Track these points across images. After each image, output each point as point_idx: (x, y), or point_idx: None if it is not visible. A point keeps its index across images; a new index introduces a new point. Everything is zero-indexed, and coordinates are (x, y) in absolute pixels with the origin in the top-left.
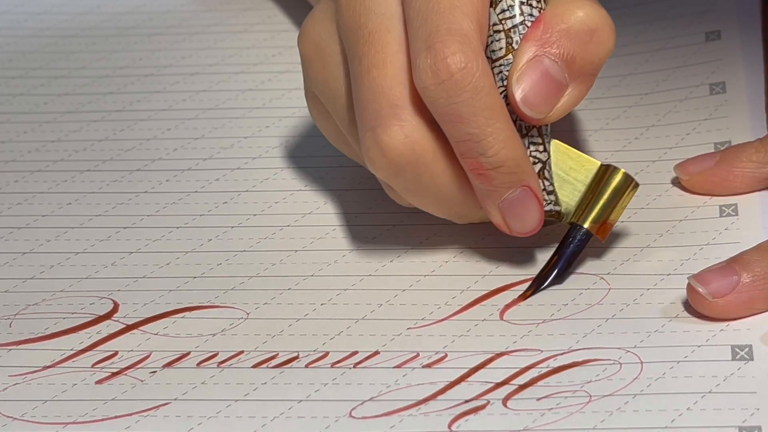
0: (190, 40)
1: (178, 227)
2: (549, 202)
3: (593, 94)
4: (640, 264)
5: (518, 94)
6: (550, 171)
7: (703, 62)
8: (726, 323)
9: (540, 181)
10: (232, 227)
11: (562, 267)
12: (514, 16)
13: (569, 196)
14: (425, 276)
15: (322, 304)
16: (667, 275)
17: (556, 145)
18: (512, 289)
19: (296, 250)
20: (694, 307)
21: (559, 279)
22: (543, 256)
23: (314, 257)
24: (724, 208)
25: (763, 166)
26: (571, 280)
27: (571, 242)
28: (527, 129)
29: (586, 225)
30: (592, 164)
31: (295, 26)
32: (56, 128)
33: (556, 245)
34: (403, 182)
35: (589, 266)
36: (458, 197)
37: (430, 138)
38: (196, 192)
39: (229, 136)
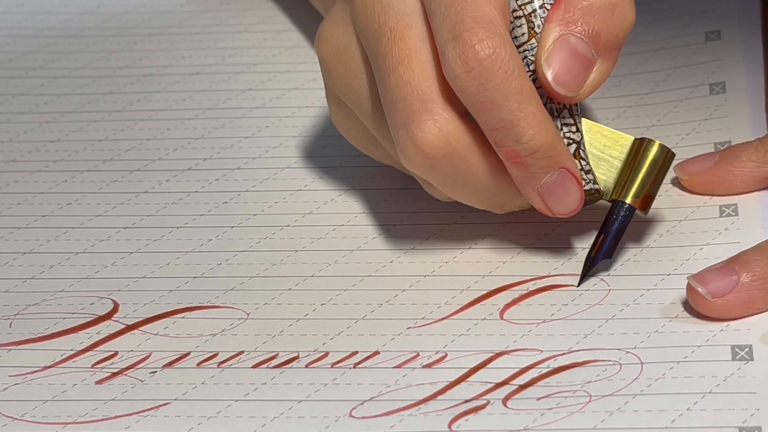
0: (190, 40)
1: (178, 227)
2: (588, 181)
3: (593, 93)
4: (640, 264)
5: (549, 74)
6: (585, 150)
7: (703, 62)
8: (726, 323)
9: (576, 161)
10: (232, 227)
11: (609, 245)
12: (533, 1)
13: (607, 174)
14: (425, 276)
15: (322, 304)
16: (667, 275)
17: (587, 124)
18: (512, 288)
19: (296, 250)
20: (694, 307)
21: (609, 257)
22: (544, 257)
23: (314, 257)
24: (724, 208)
25: (762, 166)
26: (572, 281)
27: (615, 219)
28: (558, 111)
29: (628, 200)
30: (626, 139)
31: (295, 26)
32: (56, 128)
33: (555, 247)
34: (440, 176)
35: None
36: (496, 186)
37: (463, 129)
38: (196, 192)
39: (229, 136)
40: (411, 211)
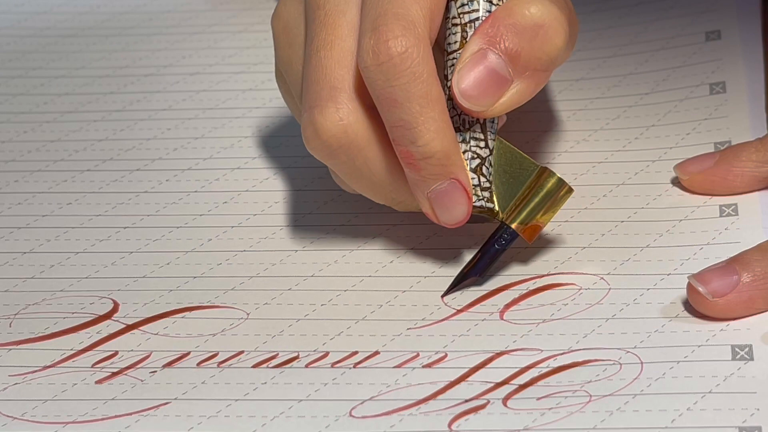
0: (190, 40)
1: (178, 227)
2: (482, 198)
3: (593, 93)
4: (640, 264)
5: (458, 85)
6: (489, 168)
7: (703, 62)
8: (726, 323)
9: (477, 176)
10: (232, 227)
11: (483, 265)
12: (474, 11)
13: (507, 195)
14: (425, 277)
15: (322, 305)
16: (667, 275)
17: (500, 143)
18: (512, 288)
19: (296, 250)
20: (694, 306)
21: (480, 277)
22: (543, 256)
23: (314, 257)
24: (724, 207)
25: (762, 165)
26: (571, 280)
27: (495, 241)
28: (470, 123)
29: (513, 225)
30: (532, 165)
31: None
32: (56, 128)
33: (555, 247)
34: (337, 164)
35: (589, 266)
36: (391, 184)
37: (365, 123)
38: (196, 192)
39: (229, 136)
40: (411, 211)
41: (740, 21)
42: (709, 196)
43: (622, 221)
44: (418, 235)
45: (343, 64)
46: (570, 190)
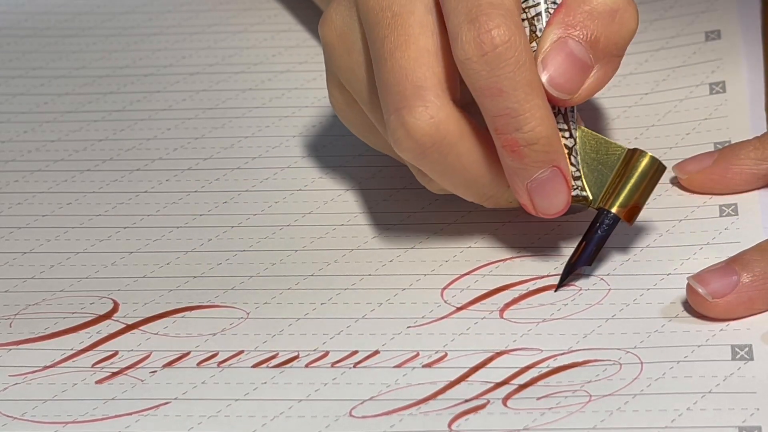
0: (190, 40)
1: (178, 227)
2: (575, 187)
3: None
4: (640, 264)
5: (545, 75)
6: (576, 157)
7: (703, 62)
8: (726, 323)
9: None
10: (232, 227)
11: (590, 253)
12: (538, 4)
13: (597, 182)
14: (425, 275)
15: (322, 304)
16: (667, 275)
17: (583, 132)
18: (512, 288)
19: (296, 250)
20: (694, 307)
21: (588, 264)
22: (543, 256)
23: (314, 257)
24: (724, 207)
25: (761, 163)
26: (572, 280)
27: (598, 227)
28: (554, 115)
29: (613, 210)
30: (620, 149)
31: (295, 26)
32: (56, 128)
33: (555, 246)
34: (429, 164)
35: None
36: (485, 177)
37: (455, 118)
38: (196, 192)
39: (229, 136)
40: (411, 210)
41: (740, 21)
42: (709, 196)
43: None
44: (418, 234)
45: (422, 63)
46: (663, 167)
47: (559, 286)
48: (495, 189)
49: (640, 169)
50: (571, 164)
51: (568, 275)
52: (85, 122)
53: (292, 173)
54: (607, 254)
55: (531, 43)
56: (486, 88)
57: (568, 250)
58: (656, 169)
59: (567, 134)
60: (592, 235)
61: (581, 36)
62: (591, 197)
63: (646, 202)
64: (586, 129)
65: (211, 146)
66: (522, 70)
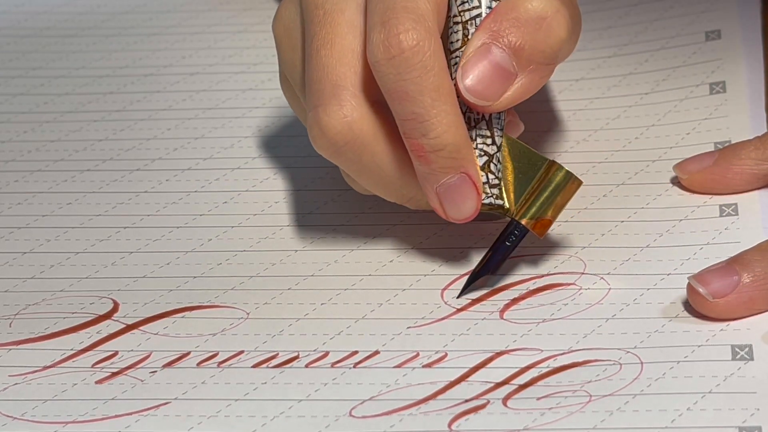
0: (190, 40)
1: (178, 227)
2: (491, 195)
3: (593, 93)
4: (640, 264)
5: (463, 81)
6: (497, 165)
7: (703, 62)
8: (726, 323)
9: (485, 174)
10: (232, 227)
11: (496, 262)
12: (474, 8)
13: (516, 191)
14: (425, 275)
15: (322, 304)
16: (667, 275)
17: (509, 140)
18: (512, 288)
19: (296, 250)
20: (694, 307)
21: (492, 273)
22: (543, 256)
23: (314, 257)
24: (724, 207)
25: (761, 163)
26: (571, 280)
27: (506, 238)
28: (476, 121)
29: (523, 221)
30: (541, 160)
31: None
32: (56, 128)
33: (555, 246)
34: (345, 162)
35: (589, 266)
36: (400, 179)
37: (370, 119)
38: (196, 192)
39: (229, 136)
40: (411, 210)
41: (740, 21)
42: (709, 196)
43: (622, 221)
44: (418, 234)
45: (344, 62)
46: (579, 183)
47: (461, 294)
48: (412, 190)
49: (554, 183)
50: (490, 171)
51: (472, 283)
52: (85, 122)
53: (291, 173)
54: (607, 254)
55: (462, 46)
56: (393, 91)
57: (568, 250)
58: (570, 183)
59: (489, 141)
60: (499, 245)
61: (505, 43)
62: (507, 206)
63: (559, 216)
64: (511, 137)
65: (211, 146)
66: (429, 76)
